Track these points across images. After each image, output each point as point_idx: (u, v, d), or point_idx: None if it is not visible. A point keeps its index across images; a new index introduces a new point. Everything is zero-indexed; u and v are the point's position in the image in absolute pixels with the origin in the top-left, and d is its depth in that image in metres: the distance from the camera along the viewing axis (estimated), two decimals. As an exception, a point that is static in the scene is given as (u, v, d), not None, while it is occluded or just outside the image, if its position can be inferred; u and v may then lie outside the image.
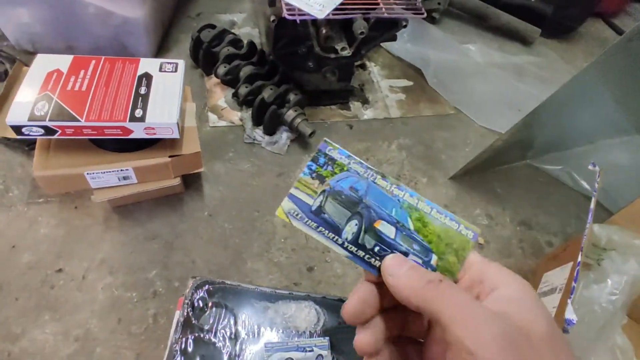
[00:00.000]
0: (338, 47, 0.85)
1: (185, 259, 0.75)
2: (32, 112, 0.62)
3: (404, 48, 1.22)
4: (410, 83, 1.17)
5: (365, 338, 0.24)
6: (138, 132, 0.67)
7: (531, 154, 1.02)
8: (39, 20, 0.94)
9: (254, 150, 0.93)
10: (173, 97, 0.70)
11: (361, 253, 0.25)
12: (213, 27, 1.03)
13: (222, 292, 0.63)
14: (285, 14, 0.76)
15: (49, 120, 0.62)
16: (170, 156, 0.72)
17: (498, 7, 1.37)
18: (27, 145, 0.82)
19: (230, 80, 0.99)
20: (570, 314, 0.49)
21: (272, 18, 0.82)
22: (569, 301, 0.50)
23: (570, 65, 1.37)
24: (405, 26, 0.89)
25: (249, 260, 0.77)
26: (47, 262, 0.71)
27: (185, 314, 0.59)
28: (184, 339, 0.57)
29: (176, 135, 0.69)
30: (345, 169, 0.26)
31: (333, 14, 0.78)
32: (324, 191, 0.26)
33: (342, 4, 0.80)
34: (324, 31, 0.84)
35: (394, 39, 0.95)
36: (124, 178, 0.71)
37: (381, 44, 1.21)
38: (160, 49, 1.09)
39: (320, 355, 0.59)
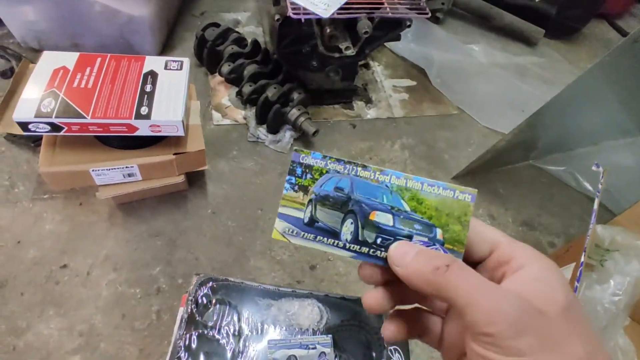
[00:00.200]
0: (342, 46, 0.85)
1: (189, 256, 0.76)
2: (39, 109, 0.63)
3: (408, 48, 1.22)
4: (414, 83, 1.17)
5: (372, 296, 0.24)
6: (143, 129, 0.67)
7: (534, 154, 1.02)
8: (44, 18, 0.94)
9: (257, 149, 0.94)
10: (178, 94, 0.70)
11: (365, 249, 0.25)
12: (217, 25, 1.04)
13: (225, 289, 0.63)
14: (290, 12, 0.76)
15: (55, 117, 0.63)
16: (174, 154, 0.72)
17: (502, 8, 1.37)
18: (33, 142, 0.83)
19: (234, 79, 0.99)
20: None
21: (277, 17, 0.82)
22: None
23: (573, 66, 1.37)
24: (409, 26, 0.90)
25: (252, 257, 0.77)
26: (52, 258, 0.72)
27: (189, 310, 0.60)
28: (187, 336, 0.58)
29: (181, 132, 0.69)
30: (324, 171, 0.25)
31: (338, 14, 0.78)
32: (310, 200, 0.25)
33: (346, 3, 0.80)
34: (328, 30, 0.85)
35: (398, 38, 0.95)
36: (129, 175, 0.72)
37: (385, 44, 1.21)
38: (165, 47, 1.09)
39: (323, 352, 0.59)
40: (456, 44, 1.28)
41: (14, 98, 0.74)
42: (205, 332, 0.58)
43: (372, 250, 0.25)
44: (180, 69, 0.75)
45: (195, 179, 0.85)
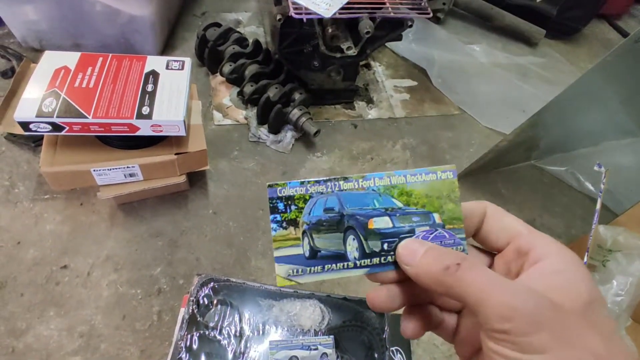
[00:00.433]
0: (344, 46, 0.85)
1: (190, 257, 0.75)
2: (40, 109, 0.63)
3: (409, 48, 1.22)
4: (415, 83, 1.17)
5: (379, 295, 0.24)
6: (145, 129, 0.67)
7: (536, 154, 1.02)
8: (45, 18, 0.94)
9: (258, 149, 0.93)
10: (180, 94, 0.70)
11: (376, 260, 0.24)
12: (218, 25, 1.04)
13: (227, 289, 0.63)
14: (292, 12, 0.76)
15: (57, 116, 0.63)
16: (176, 154, 0.72)
17: (502, 8, 1.37)
18: (34, 142, 0.83)
19: (235, 79, 0.99)
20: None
21: (279, 17, 0.82)
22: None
23: (574, 66, 1.37)
24: (410, 26, 0.90)
25: (253, 258, 0.77)
26: (52, 258, 0.72)
27: (190, 311, 0.59)
28: (189, 336, 0.57)
29: (182, 132, 0.69)
30: (307, 197, 0.24)
31: (339, 13, 0.78)
32: (304, 232, 0.24)
33: (348, 3, 0.80)
34: (329, 30, 0.84)
35: (399, 38, 0.95)
36: (130, 175, 0.72)
37: (386, 44, 1.21)
38: (166, 47, 1.09)
39: (324, 353, 0.59)
40: (457, 44, 1.28)
41: (15, 98, 0.74)
42: (207, 332, 0.58)
43: (382, 258, 0.24)
44: (182, 68, 0.74)
45: (196, 179, 0.85)
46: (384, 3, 0.84)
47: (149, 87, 0.70)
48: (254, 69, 0.96)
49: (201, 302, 0.60)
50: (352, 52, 0.85)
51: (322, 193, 0.24)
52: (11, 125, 0.72)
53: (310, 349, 0.59)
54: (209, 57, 1.01)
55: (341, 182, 0.24)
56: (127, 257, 0.74)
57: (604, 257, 0.69)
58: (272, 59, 0.99)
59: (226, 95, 1.01)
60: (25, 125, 0.63)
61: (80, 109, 0.64)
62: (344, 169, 0.94)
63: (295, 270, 0.24)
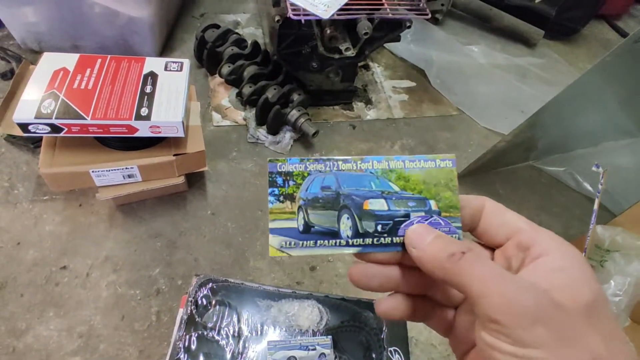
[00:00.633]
0: (342, 47, 0.85)
1: (188, 257, 0.76)
2: (39, 110, 0.63)
3: (407, 49, 1.23)
4: (413, 84, 1.17)
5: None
6: (143, 130, 0.67)
7: (534, 155, 1.03)
8: (44, 20, 0.94)
9: (257, 150, 0.94)
10: (178, 96, 0.70)
11: (368, 240, 0.24)
12: (217, 27, 1.04)
13: (225, 290, 0.63)
14: (290, 14, 0.76)
15: (56, 118, 0.63)
16: (174, 155, 0.72)
17: (501, 9, 1.37)
18: (33, 143, 0.83)
19: (234, 80, 1.00)
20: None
21: (277, 18, 0.83)
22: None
23: (573, 67, 1.37)
24: (409, 27, 0.90)
25: (251, 258, 0.77)
26: (51, 259, 0.72)
27: (188, 311, 0.60)
28: (187, 337, 0.58)
29: (181, 133, 0.69)
30: (306, 174, 0.25)
31: (338, 14, 0.78)
32: (300, 207, 0.24)
33: (346, 4, 0.80)
34: (328, 31, 0.85)
35: (397, 39, 0.95)
36: (129, 176, 0.72)
37: (384, 45, 1.21)
38: (165, 49, 1.09)
39: (322, 353, 0.59)
40: (456, 45, 1.28)
41: (14, 99, 0.74)
42: (205, 333, 0.58)
43: (375, 239, 0.24)
44: (180, 70, 0.75)
45: (194, 180, 0.85)
46: (382, 4, 0.84)
47: (148, 89, 0.70)
48: (253, 70, 0.97)
49: (200, 302, 0.61)
50: (351, 53, 0.86)
51: (320, 171, 0.25)
52: (10, 127, 0.72)
53: (309, 349, 0.59)
54: (208, 59, 1.02)
55: (340, 163, 0.25)
56: (126, 257, 0.74)
57: (602, 257, 0.69)
58: (271, 60, 0.99)
59: (225, 96, 1.01)
60: (24, 126, 0.63)
61: (79, 111, 0.64)
62: (342, 170, 0.94)
63: (288, 243, 0.24)
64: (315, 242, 0.24)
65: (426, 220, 0.25)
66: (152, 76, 0.72)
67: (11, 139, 0.83)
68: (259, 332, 0.60)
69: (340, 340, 0.61)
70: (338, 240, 0.24)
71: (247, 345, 0.59)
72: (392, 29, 0.91)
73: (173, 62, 0.75)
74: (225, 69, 0.99)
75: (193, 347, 0.57)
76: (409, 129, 1.06)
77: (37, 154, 0.83)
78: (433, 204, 0.25)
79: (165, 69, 0.74)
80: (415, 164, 0.25)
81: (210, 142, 0.91)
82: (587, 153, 1.04)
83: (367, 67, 1.19)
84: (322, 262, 0.78)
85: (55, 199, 0.79)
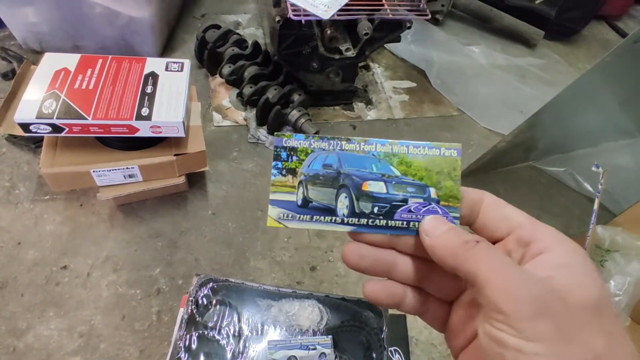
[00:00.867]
0: (342, 47, 0.85)
1: (189, 257, 0.76)
2: (40, 110, 0.63)
3: (408, 49, 1.23)
4: (414, 84, 1.17)
5: (359, 252, 0.24)
6: (144, 130, 0.67)
7: (534, 155, 1.03)
8: (46, 20, 0.94)
9: (257, 150, 0.94)
10: (179, 96, 0.71)
11: (364, 220, 0.25)
12: (218, 27, 1.04)
13: (226, 289, 0.63)
14: (290, 14, 0.76)
15: (57, 118, 0.63)
16: (175, 155, 0.73)
17: (501, 9, 1.37)
18: (34, 143, 0.83)
19: (234, 80, 1.00)
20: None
21: (277, 18, 0.83)
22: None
23: (573, 67, 1.37)
24: (409, 27, 0.90)
25: (252, 258, 0.77)
26: (52, 259, 0.72)
27: (189, 311, 0.60)
28: (188, 336, 0.58)
29: (182, 134, 0.69)
30: (309, 151, 0.25)
31: (338, 15, 0.79)
32: (300, 182, 0.25)
33: (346, 4, 0.80)
34: (328, 32, 0.85)
35: (398, 40, 0.95)
36: (130, 176, 0.72)
37: (385, 46, 1.21)
38: (166, 49, 1.09)
39: (323, 353, 0.59)
40: (456, 46, 1.28)
41: (15, 99, 0.74)
42: (206, 332, 0.58)
43: (370, 220, 0.25)
44: (181, 70, 0.75)
45: (195, 180, 0.85)
46: (382, 5, 0.84)
47: (149, 89, 0.70)
48: (253, 70, 0.97)
49: (200, 302, 0.61)
50: (351, 53, 0.86)
51: (323, 149, 0.25)
52: (12, 127, 0.72)
53: (309, 349, 0.59)
54: (209, 59, 1.02)
55: (343, 143, 0.25)
56: (126, 257, 0.74)
57: (602, 257, 0.69)
58: (272, 60, 1.00)
59: (225, 96, 1.01)
60: (25, 126, 0.63)
61: (80, 111, 0.64)
62: (343, 170, 0.94)
63: (285, 215, 0.25)
64: (312, 217, 0.25)
65: (424, 207, 0.24)
66: (153, 76, 0.72)
67: (12, 138, 0.83)
68: (260, 332, 0.60)
69: (340, 340, 0.61)
70: (334, 218, 0.25)
71: (247, 344, 0.59)
72: (392, 29, 0.91)
73: (174, 62, 0.76)
74: (226, 69, 0.99)
75: (194, 346, 0.57)
76: (410, 130, 1.06)
77: (38, 154, 0.83)
78: (432, 192, 0.25)
79: (166, 69, 0.74)
80: (419, 150, 0.25)
81: (210, 142, 0.91)
82: (587, 153, 1.04)
83: (367, 68, 1.19)
84: (323, 262, 0.79)
85: (56, 199, 0.79)
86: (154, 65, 0.74)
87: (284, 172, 0.25)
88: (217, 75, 1.02)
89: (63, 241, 0.74)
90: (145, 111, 0.67)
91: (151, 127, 0.67)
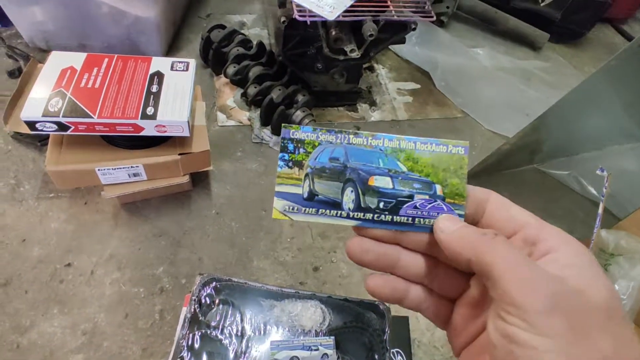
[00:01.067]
0: (347, 48, 0.85)
1: (192, 256, 0.76)
2: (46, 108, 0.63)
3: (412, 51, 1.23)
4: (418, 86, 1.17)
5: (363, 247, 0.24)
6: (149, 129, 0.68)
7: (538, 158, 1.02)
8: (52, 19, 0.95)
9: (261, 150, 0.94)
10: (184, 95, 0.71)
11: (369, 215, 0.25)
12: (223, 27, 1.04)
13: (229, 289, 0.63)
14: (296, 15, 0.76)
15: (63, 116, 0.63)
16: (180, 154, 0.73)
17: (506, 12, 1.37)
18: (39, 141, 0.83)
19: (239, 80, 1.00)
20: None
21: (283, 19, 0.83)
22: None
23: (578, 70, 1.36)
24: (414, 29, 0.90)
25: (255, 258, 0.77)
26: (56, 256, 0.72)
27: (192, 310, 0.60)
28: (190, 335, 0.58)
29: (186, 133, 0.70)
30: (316, 144, 0.25)
31: (343, 16, 0.79)
32: (307, 174, 0.25)
33: (352, 6, 0.80)
34: (333, 33, 0.85)
35: (402, 41, 0.95)
36: (134, 175, 0.72)
37: (389, 47, 1.21)
38: (171, 49, 1.10)
39: (325, 354, 0.59)
40: (461, 48, 1.28)
41: (22, 97, 0.75)
42: (208, 332, 0.59)
43: (376, 215, 0.25)
44: (186, 70, 0.75)
45: (199, 180, 0.85)
46: (387, 6, 0.84)
47: (154, 88, 0.71)
48: (258, 70, 0.97)
49: (203, 301, 0.61)
50: (356, 54, 0.86)
51: (331, 142, 0.25)
52: (18, 124, 0.73)
53: (311, 350, 0.59)
54: (214, 59, 1.02)
55: (351, 136, 0.25)
56: (130, 256, 0.74)
57: (606, 261, 0.69)
58: (276, 60, 1.00)
59: (230, 96, 1.02)
60: (31, 124, 0.64)
61: (85, 109, 0.65)
62: (346, 171, 0.94)
63: (291, 207, 0.25)
64: (317, 211, 0.25)
65: (430, 203, 0.24)
66: (159, 76, 0.73)
67: (18, 136, 0.84)
68: (262, 332, 0.60)
69: (342, 340, 0.61)
70: (339, 212, 0.25)
71: (250, 344, 0.59)
72: (397, 31, 0.91)
73: (179, 62, 0.76)
74: (231, 69, 0.99)
75: (196, 345, 0.57)
76: (413, 131, 1.06)
77: (44, 152, 0.84)
78: (438, 189, 0.25)
79: (172, 68, 0.74)
80: (427, 147, 0.25)
81: (215, 142, 0.92)
82: (591, 157, 1.04)
83: (371, 69, 1.19)
84: (326, 262, 0.79)
85: (61, 197, 0.79)
86: (160, 65, 0.74)
87: (290, 164, 0.25)
88: (222, 75, 1.02)
89: (67, 239, 0.75)
90: (150, 110, 0.67)
91: (156, 126, 0.68)
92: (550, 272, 0.19)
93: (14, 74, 0.95)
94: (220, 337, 0.58)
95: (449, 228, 0.23)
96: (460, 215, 0.24)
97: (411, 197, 0.25)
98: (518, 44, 1.40)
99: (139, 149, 0.73)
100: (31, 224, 0.75)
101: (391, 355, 0.62)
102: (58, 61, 0.70)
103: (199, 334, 0.58)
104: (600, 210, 0.62)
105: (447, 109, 1.13)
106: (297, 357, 0.59)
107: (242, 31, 1.09)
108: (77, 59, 0.71)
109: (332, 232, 0.83)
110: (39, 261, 0.71)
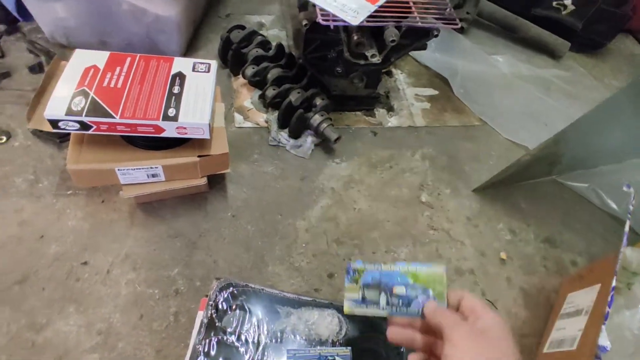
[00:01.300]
0: (368, 53, 0.84)
1: (208, 259, 0.76)
2: (70, 107, 0.63)
3: (432, 57, 1.21)
4: (436, 92, 1.16)
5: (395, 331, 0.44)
6: (170, 131, 0.67)
7: (557, 170, 1.01)
8: (74, 15, 0.95)
9: (278, 153, 0.94)
10: (205, 97, 0.71)
11: (394, 309, 0.43)
12: (243, 28, 1.04)
13: (245, 295, 0.63)
14: (320, 19, 0.76)
15: (85, 115, 0.63)
16: (199, 156, 0.73)
17: (527, 19, 1.35)
18: (59, 138, 0.84)
19: (257, 82, 0.99)
20: (604, 340, 0.48)
21: (305, 22, 0.82)
22: (603, 327, 0.49)
23: (598, 81, 1.34)
24: (436, 36, 0.89)
25: (270, 263, 0.77)
26: (73, 254, 0.72)
27: (208, 315, 0.59)
28: (207, 341, 0.57)
29: (207, 135, 0.69)
30: (363, 270, 0.45)
31: (367, 21, 0.78)
32: (360, 287, 0.45)
33: (376, 11, 0.80)
34: (355, 37, 0.84)
35: (424, 47, 0.94)
36: (153, 175, 0.72)
37: (409, 52, 1.20)
38: (190, 48, 1.10)
39: (341, 364, 0.58)
40: (481, 55, 1.27)
41: (45, 95, 0.75)
42: (225, 338, 0.58)
43: (398, 308, 0.43)
44: (208, 71, 0.75)
45: (215, 181, 0.85)
46: (411, 12, 0.83)
47: (176, 89, 0.70)
48: (277, 72, 0.96)
49: (220, 306, 0.60)
50: (377, 59, 0.85)
51: (371, 270, 0.45)
52: (40, 122, 0.73)
53: (327, 360, 0.59)
54: (232, 59, 1.02)
55: (381, 266, 0.45)
56: (145, 256, 0.74)
57: (629, 279, 0.67)
58: (295, 63, 0.99)
59: (247, 97, 1.01)
60: (54, 123, 0.64)
61: (108, 109, 0.65)
62: (362, 176, 0.94)
63: (354, 305, 0.45)
64: (367, 306, 0.44)
65: (427, 299, 0.43)
66: (180, 77, 0.72)
67: (38, 132, 0.84)
68: (279, 340, 0.60)
69: (359, 352, 0.61)
70: (378, 307, 0.44)
71: (266, 352, 0.58)
72: (419, 37, 0.90)
73: (201, 63, 0.75)
74: (249, 70, 0.99)
75: (213, 352, 0.56)
76: (431, 138, 1.05)
77: (62, 149, 0.84)
78: (431, 292, 0.43)
79: (193, 69, 0.74)
80: (423, 269, 0.44)
81: (231, 143, 0.90)
82: (611, 170, 1.02)
83: (389, 74, 1.18)
84: (341, 269, 0.78)
85: (78, 194, 0.79)
86: (181, 66, 0.74)
87: (352, 281, 0.45)
88: (240, 76, 1.02)
89: (84, 237, 0.75)
90: (172, 112, 0.67)
91: (177, 128, 0.67)
92: (474, 327, 0.38)
93: (34, 69, 0.95)
94: (236, 343, 0.58)
95: (429, 309, 0.42)
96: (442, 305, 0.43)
97: (417, 297, 0.43)
98: (538, 52, 1.38)
99: (158, 150, 0.72)
100: (49, 221, 0.75)
101: (407, 367, 0.61)
102: (81, 59, 0.70)
103: (216, 339, 0.58)
104: (626, 228, 0.61)
105: (465, 116, 1.12)
106: (313, 366, 0.58)
107: (261, 32, 1.08)
108: (100, 57, 0.71)
109: (347, 239, 0.82)
110: (56, 258, 0.72)
